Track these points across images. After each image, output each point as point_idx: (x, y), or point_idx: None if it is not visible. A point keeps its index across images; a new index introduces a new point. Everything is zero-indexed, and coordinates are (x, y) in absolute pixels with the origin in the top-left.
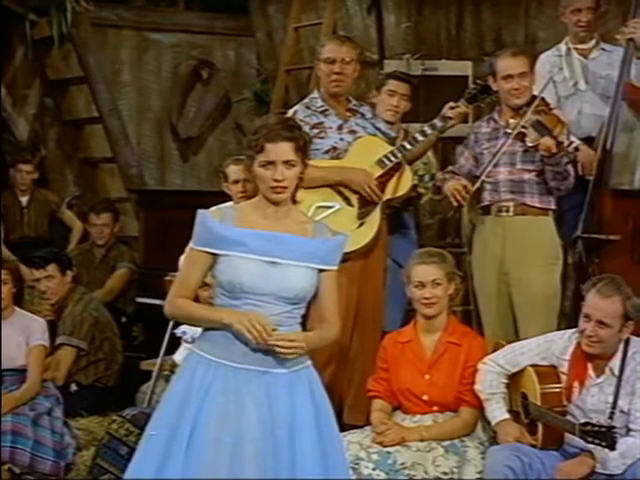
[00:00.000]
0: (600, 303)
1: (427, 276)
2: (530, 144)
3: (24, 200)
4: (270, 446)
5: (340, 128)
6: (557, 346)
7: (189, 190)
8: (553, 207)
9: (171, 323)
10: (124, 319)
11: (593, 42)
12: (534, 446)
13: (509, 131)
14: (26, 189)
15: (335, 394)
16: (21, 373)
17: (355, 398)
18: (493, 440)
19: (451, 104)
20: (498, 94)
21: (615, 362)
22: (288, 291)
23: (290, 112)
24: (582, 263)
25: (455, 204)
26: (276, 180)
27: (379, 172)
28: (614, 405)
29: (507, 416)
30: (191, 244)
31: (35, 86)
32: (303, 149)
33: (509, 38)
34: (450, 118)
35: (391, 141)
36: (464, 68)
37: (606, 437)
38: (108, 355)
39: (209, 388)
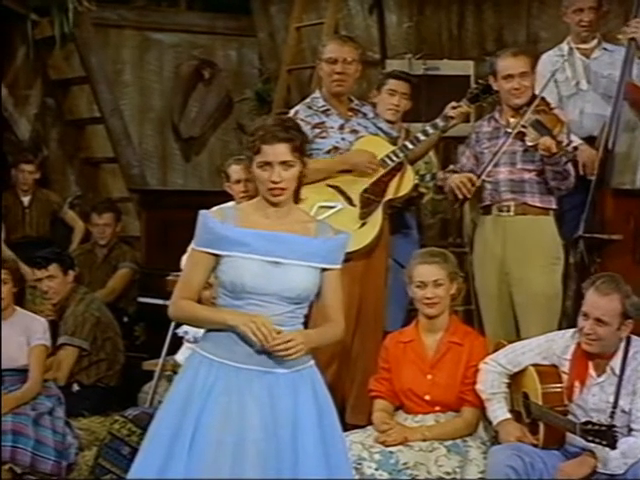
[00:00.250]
0: (598, 301)
1: (429, 276)
2: (530, 143)
3: (26, 200)
4: (272, 446)
5: (342, 128)
6: (558, 346)
7: (191, 190)
8: (554, 207)
9: (173, 323)
10: (126, 319)
11: (595, 42)
12: (535, 446)
13: (510, 131)
14: (28, 189)
15: (337, 394)
16: (22, 373)
17: (357, 398)
18: (495, 440)
19: (453, 104)
20: (499, 94)
21: (616, 361)
22: (290, 291)
23: (292, 112)
24: (584, 263)
25: (460, 197)
26: (273, 182)
27: (381, 172)
28: (615, 404)
29: (508, 416)
30: (193, 245)
31: (37, 86)
32: (300, 149)
33: (511, 38)
34: (452, 118)
35: (393, 141)
36: (466, 68)
37: (607, 436)
38: (110, 355)
39: (211, 388)
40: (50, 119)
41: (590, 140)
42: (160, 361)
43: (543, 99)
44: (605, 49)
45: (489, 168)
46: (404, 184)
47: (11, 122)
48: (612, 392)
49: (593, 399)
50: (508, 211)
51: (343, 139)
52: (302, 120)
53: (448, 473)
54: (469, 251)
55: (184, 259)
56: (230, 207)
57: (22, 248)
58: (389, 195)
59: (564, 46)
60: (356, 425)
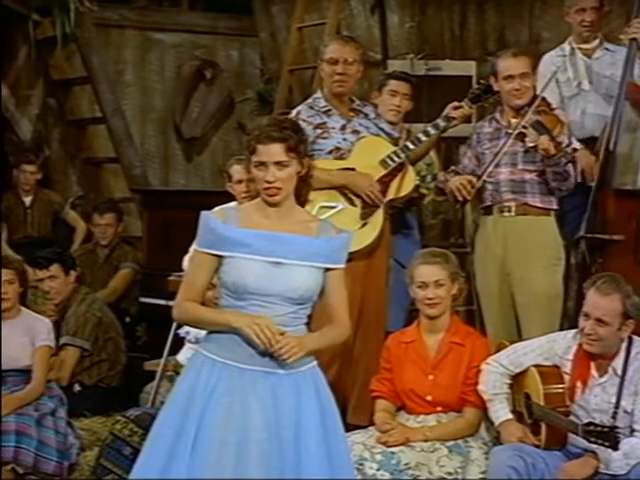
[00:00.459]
0: (599, 301)
1: (430, 276)
2: (530, 144)
3: (27, 200)
4: (275, 447)
5: (343, 128)
6: (560, 346)
7: (193, 190)
8: (555, 207)
9: (175, 323)
10: (128, 319)
11: (597, 42)
12: (537, 446)
13: (511, 131)
14: (29, 189)
15: (339, 394)
16: (25, 373)
17: (359, 398)
18: (496, 440)
19: (454, 104)
20: (500, 94)
21: (618, 362)
22: (293, 291)
23: (293, 112)
24: (585, 263)
25: (460, 199)
26: (267, 181)
27: (382, 172)
28: (617, 405)
29: (510, 416)
30: (195, 246)
31: (38, 86)
32: (295, 149)
33: (513, 38)
34: (453, 118)
35: (394, 141)
36: (468, 68)
37: (609, 437)
38: (112, 355)
39: (214, 389)
40: (52, 119)
41: (592, 141)
42: (162, 361)
43: (544, 99)
44: (607, 49)
45: (490, 169)
46: (405, 184)
47: (13, 122)
48: (614, 393)
49: (595, 400)
50: (509, 211)
51: (345, 139)
52: (304, 120)
53: (450, 473)
54: (470, 251)
55: (186, 259)
56: (232, 208)
57: (24, 248)
58: (390, 195)
59: (566, 46)
60: (358, 425)
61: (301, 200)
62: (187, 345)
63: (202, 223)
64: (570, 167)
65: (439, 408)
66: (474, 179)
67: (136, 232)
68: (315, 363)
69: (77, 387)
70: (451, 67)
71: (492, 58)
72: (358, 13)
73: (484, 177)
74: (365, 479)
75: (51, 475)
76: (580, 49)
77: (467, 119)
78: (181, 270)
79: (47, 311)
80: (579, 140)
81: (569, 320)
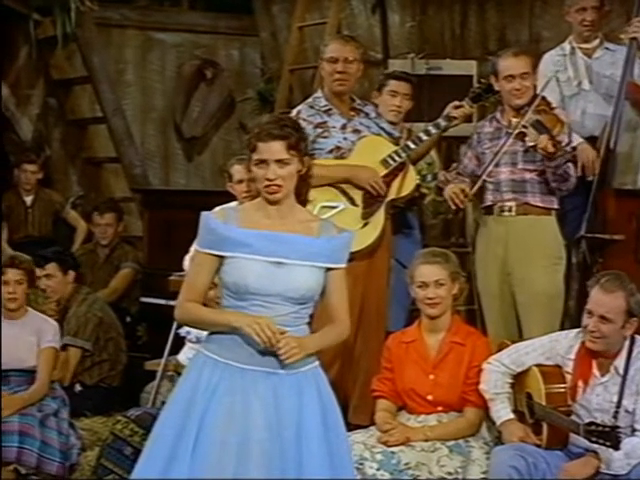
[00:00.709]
0: (603, 298)
1: (430, 276)
2: (530, 144)
3: (28, 200)
4: (277, 446)
5: (344, 127)
6: (562, 346)
7: (193, 190)
8: (556, 207)
9: (175, 323)
10: (128, 319)
11: (597, 41)
12: (539, 446)
13: (511, 131)
14: (30, 189)
15: (339, 394)
16: (29, 374)
17: (359, 398)
18: (498, 440)
19: (455, 103)
20: (501, 93)
21: (620, 361)
22: (294, 291)
23: (294, 111)
24: (586, 263)
25: (454, 208)
26: (268, 179)
27: (383, 172)
28: (619, 404)
29: (512, 416)
30: (196, 247)
31: (39, 86)
32: (296, 147)
33: (513, 37)
34: (454, 117)
35: (395, 141)
36: (468, 67)
37: (610, 437)
38: (112, 355)
39: (216, 389)
40: (52, 119)
41: (592, 140)
42: (162, 361)
43: (544, 99)
44: (607, 49)
45: (489, 169)
46: (406, 184)
47: (13, 122)
48: (616, 392)
49: (597, 399)
50: (510, 211)
51: (345, 139)
52: (304, 120)
53: (450, 473)
54: (471, 251)
55: (187, 259)
56: (232, 207)
57: (24, 248)
58: (391, 195)
59: (566, 45)
60: (359, 425)
61: (301, 200)
62: (188, 345)
63: (202, 223)
64: (570, 168)
65: (440, 408)
66: (467, 188)
67: (137, 232)
68: (317, 363)
69: (78, 387)
70: (452, 66)
71: (493, 57)
72: (359, 12)
73: (484, 177)
74: (365, 479)
75: (54, 476)
76: (580, 48)
77: (468, 118)
78: (182, 270)
79: (48, 311)
80: None
81: (570, 319)
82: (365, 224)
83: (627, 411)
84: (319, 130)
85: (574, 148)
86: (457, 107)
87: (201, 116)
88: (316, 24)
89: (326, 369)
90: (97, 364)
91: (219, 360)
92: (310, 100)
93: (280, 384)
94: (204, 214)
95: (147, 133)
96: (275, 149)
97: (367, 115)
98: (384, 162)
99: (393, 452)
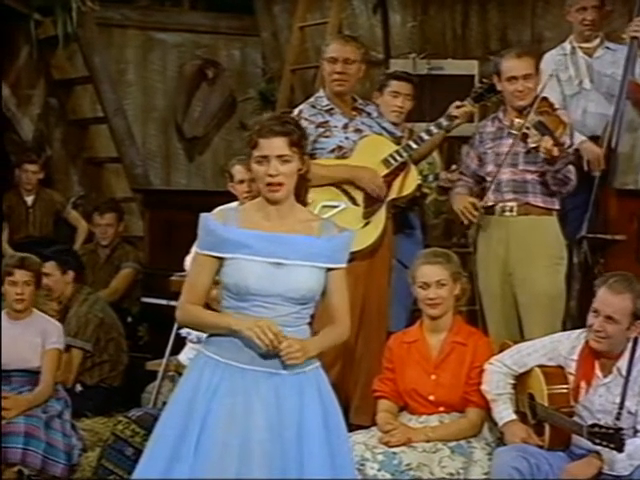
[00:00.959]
0: (610, 299)
1: (431, 277)
2: (532, 145)
3: (29, 200)
4: (278, 447)
5: (345, 127)
6: (564, 346)
7: (194, 190)
8: (557, 207)
9: (176, 323)
10: (129, 319)
11: (597, 41)
12: (541, 447)
13: (513, 132)
14: (31, 189)
15: (341, 394)
16: (32, 374)
17: (361, 399)
18: (500, 441)
19: (457, 103)
20: (503, 93)
21: (623, 362)
22: (295, 292)
23: (295, 111)
24: (587, 263)
25: (466, 222)
26: (270, 175)
27: (385, 171)
28: (621, 406)
29: (514, 417)
30: (196, 248)
31: (40, 86)
32: (298, 144)
33: (515, 37)
34: (456, 117)
35: (397, 140)
36: (470, 67)
37: (614, 439)
38: (113, 356)
39: (217, 389)
40: (53, 119)
41: (593, 140)
42: (163, 361)
43: (546, 100)
44: (608, 48)
45: (489, 169)
46: (408, 184)
47: (14, 122)
48: (618, 393)
49: (599, 400)
50: (511, 211)
51: (347, 138)
52: (306, 119)
53: (451, 474)
54: (473, 251)
55: (188, 259)
56: (232, 208)
57: (25, 248)
58: (393, 195)
59: (566, 45)
60: (360, 425)
61: (300, 200)
62: (189, 345)
63: (202, 225)
64: (571, 171)
65: (442, 408)
66: (476, 201)
67: (138, 232)
68: (318, 364)
69: (79, 387)
70: (453, 66)
71: (495, 57)
72: (360, 12)
73: (492, 185)
74: (366, 479)
75: (57, 477)
76: (581, 48)
77: (470, 118)
78: (183, 270)
79: (49, 311)
80: None
81: (571, 320)
82: (366, 224)
83: (630, 412)
84: (321, 130)
85: (577, 150)
86: (459, 107)
87: (202, 116)
88: (317, 24)
89: (327, 369)
90: (98, 365)
91: (220, 360)
92: (312, 100)
93: (281, 384)
94: (203, 215)
95: (148, 133)
96: (277, 145)
97: (369, 115)
98: (385, 162)
99: (394, 453)
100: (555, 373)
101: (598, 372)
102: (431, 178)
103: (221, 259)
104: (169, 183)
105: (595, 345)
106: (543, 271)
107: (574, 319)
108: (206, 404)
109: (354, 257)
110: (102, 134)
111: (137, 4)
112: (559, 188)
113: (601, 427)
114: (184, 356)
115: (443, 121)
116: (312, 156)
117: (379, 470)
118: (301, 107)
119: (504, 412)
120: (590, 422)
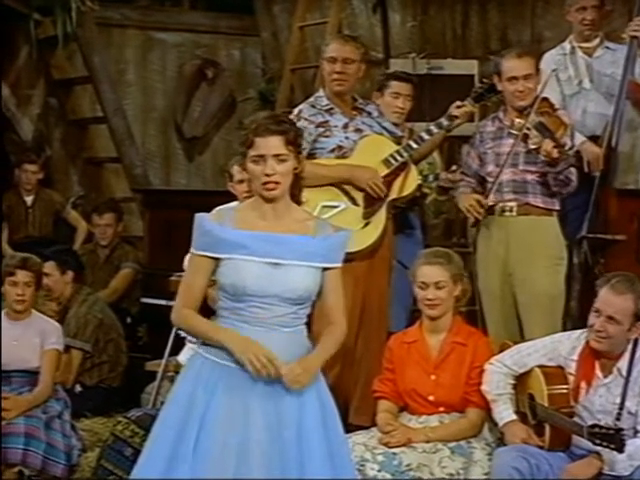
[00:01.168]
0: (612, 299)
1: (430, 277)
2: (532, 146)
3: (29, 200)
4: (277, 447)
5: (346, 127)
6: (564, 347)
7: (194, 190)
8: (557, 207)
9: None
10: (129, 319)
11: (597, 40)
12: (541, 447)
13: (513, 132)
14: (31, 189)
15: (340, 395)
16: (32, 375)
17: (361, 399)
18: (500, 441)
19: (457, 103)
20: (503, 93)
21: (623, 363)
22: (292, 292)
23: (295, 111)
24: (587, 263)
25: (473, 220)
26: (267, 174)
27: (385, 171)
28: (621, 406)
29: (514, 417)
30: (192, 249)
31: (39, 86)
32: (294, 143)
33: (515, 37)
34: (456, 117)
35: (397, 140)
36: (470, 67)
37: (615, 440)
38: (112, 357)
39: (215, 388)
40: (53, 119)
41: (593, 139)
42: (163, 362)
43: (547, 100)
44: (607, 48)
45: (490, 168)
46: (408, 184)
47: (14, 122)
48: (618, 393)
49: (599, 400)
50: (511, 211)
51: (347, 138)
52: (306, 119)
53: (451, 475)
54: (473, 251)
55: (187, 259)
56: (229, 208)
57: (25, 248)
58: (393, 195)
59: (566, 45)
60: (360, 426)
61: (295, 200)
62: (188, 345)
63: (197, 225)
64: (572, 173)
65: (442, 408)
66: (481, 198)
67: (137, 232)
68: None
69: (78, 388)
70: (453, 66)
71: (496, 57)
72: (360, 12)
73: (495, 185)
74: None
75: (58, 478)
76: (580, 47)
77: (470, 118)
78: (182, 270)
79: (48, 312)
80: None
81: (571, 320)
82: (366, 224)
83: (630, 413)
84: (321, 129)
85: (577, 152)
86: (459, 107)
87: (202, 116)
88: (317, 24)
89: (327, 370)
90: (97, 365)
91: (217, 361)
92: (312, 99)
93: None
94: (198, 216)
95: (148, 133)
96: (273, 144)
97: (369, 114)
98: (386, 161)
99: (394, 453)
100: (555, 373)
101: (598, 372)
102: (431, 178)
103: (217, 260)
104: (169, 183)
105: (596, 345)
106: (543, 271)
107: (574, 319)
108: (205, 403)
109: (354, 257)
110: (102, 134)
111: (137, 4)
112: (560, 189)
113: (601, 427)
114: (183, 356)
115: (443, 121)
116: (312, 156)
117: (379, 471)
118: (301, 107)
119: (504, 412)
120: (590, 422)
